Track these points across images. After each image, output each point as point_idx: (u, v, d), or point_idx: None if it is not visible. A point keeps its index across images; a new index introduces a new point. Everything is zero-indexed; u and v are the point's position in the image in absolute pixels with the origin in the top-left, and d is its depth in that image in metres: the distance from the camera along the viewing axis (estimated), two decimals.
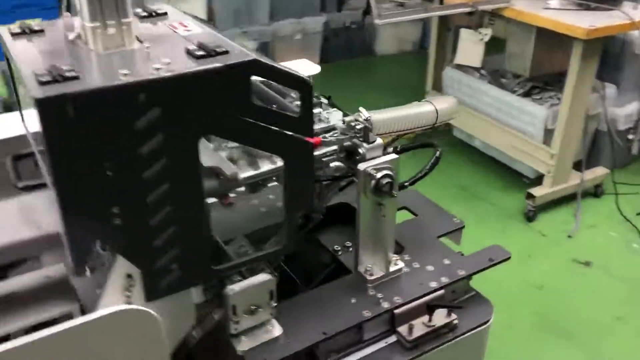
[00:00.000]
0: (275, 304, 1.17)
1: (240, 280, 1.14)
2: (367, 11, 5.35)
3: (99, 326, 0.88)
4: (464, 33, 3.49)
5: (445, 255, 1.39)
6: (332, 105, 1.35)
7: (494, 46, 3.55)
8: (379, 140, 1.22)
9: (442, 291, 1.31)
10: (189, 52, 0.96)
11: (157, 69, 0.89)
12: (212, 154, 1.09)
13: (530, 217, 3.25)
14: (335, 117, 1.30)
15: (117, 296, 0.99)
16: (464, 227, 1.51)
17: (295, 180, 1.07)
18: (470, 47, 3.48)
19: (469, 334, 1.30)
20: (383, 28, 5.39)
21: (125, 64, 0.94)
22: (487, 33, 3.39)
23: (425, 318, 1.28)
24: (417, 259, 1.38)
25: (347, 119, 1.23)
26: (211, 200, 1.06)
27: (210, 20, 4.53)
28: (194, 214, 0.99)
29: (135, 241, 0.95)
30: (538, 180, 3.37)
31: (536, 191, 3.24)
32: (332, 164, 1.24)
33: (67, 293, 1.08)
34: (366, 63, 5.56)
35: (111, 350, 0.91)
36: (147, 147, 0.90)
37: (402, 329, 1.27)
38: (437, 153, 1.39)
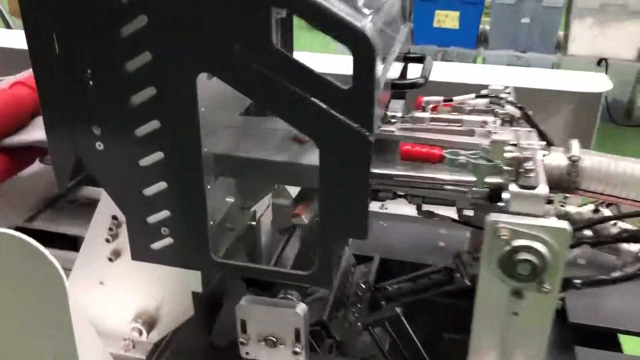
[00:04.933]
0: (301, 350, 0.83)
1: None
2: None
3: None
4: None
5: None
6: (530, 123, 0.86)
7: None
8: (544, 189, 0.71)
9: None
10: None
11: None
12: None
13: None
14: (524, 137, 0.82)
15: (99, 239, 0.84)
16: None
17: (336, 189, 0.70)
18: None
19: None
20: None
21: None
22: None
23: None
24: None
25: (499, 137, 0.74)
26: None
27: None
28: (190, 175, 0.75)
29: (118, 175, 0.77)
30: None
31: None
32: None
33: None
34: None
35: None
36: (134, 65, 0.70)
37: None
38: None
